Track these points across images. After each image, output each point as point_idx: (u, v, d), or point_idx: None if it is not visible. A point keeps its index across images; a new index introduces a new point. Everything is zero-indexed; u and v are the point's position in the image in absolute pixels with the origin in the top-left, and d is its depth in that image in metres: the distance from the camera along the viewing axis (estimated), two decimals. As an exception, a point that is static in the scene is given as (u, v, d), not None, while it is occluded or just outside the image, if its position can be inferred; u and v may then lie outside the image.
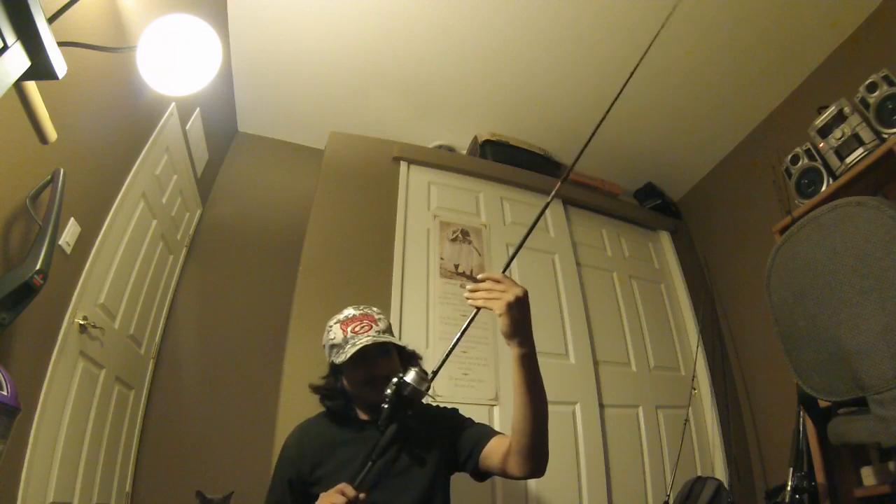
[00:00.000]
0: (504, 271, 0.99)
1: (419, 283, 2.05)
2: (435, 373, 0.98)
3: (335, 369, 1.19)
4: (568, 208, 2.67)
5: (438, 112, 2.77)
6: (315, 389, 1.23)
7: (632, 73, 1.01)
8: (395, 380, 0.96)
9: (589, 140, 1.03)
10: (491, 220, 2.39)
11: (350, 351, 1.10)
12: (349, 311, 1.21)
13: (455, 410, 1.28)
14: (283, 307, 2.00)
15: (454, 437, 1.18)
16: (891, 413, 0.99)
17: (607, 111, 1.07)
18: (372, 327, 1.16)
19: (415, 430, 1.12)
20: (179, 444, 2.08)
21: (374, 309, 1.23)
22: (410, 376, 0.95)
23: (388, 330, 1.20)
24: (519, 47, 2.34)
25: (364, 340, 1.11)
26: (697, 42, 2.28)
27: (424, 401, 1.03)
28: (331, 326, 1.20)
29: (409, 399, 0.95)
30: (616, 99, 1.07)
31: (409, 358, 1.22)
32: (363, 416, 1.21)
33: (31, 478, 1.23)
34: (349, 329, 1.15)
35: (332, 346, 1.17)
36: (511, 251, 2.28)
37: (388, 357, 1.17)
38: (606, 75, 2.47)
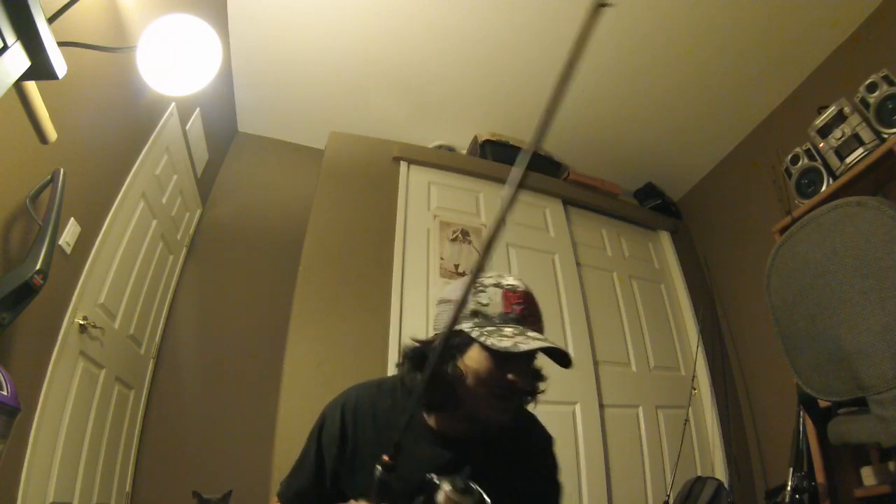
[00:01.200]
0: (476, 277, 0.68)
1: (419, 283, 2.05)
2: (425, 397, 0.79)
3: (456, 344, 0.80)
4: (568, 208, 2.67)
5: (438, 112, 2.77)
6: (411, 352, 0.85)
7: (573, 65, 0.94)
8: (429, 478, 0.67)
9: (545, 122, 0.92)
10: (491, 220, 2.39)
11: (522, 344, 0.75)
12: (513, 281, 0.84)
13: (551, 443, 0.99)
14: (284, 307, 2.00)
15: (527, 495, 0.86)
16: (891, 413, 0.99)
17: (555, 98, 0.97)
18: (539, 322, 0.83)
19: (494, 450, 0.85)
20: (179, 444, 2.08)
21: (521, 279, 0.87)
22: (445, 490, 0.64)
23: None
24: (519, 47, 2.34)
25: (543, 343, 0.76)
26: (697, 42, 2.28)
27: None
28: (484, 287, 0.82)
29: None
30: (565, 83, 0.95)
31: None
32: (437, 425, 0.86)
33: (31, 478, 1.23)
34: (515, 306, 0.80)
35: (478, 314, 0.80)
36: (511, 251, 2.31)
37: (529, 371, 0.83)
38: (606, 75, 2.47)
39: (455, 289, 0.87)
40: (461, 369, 0.79)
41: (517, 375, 0.78)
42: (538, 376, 0.85)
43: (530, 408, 0.92)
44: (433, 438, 0.85)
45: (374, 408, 0.88)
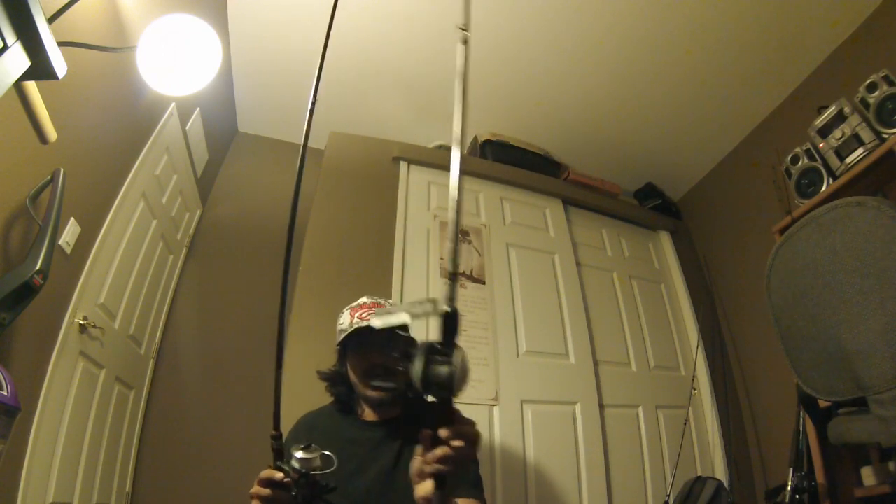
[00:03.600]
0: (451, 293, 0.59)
1: (419, 283, 2.05)
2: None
3: (341, 355, 1.19)
4: (568, 208, 2.67)
5: (438, 112, 2.77)
6: (322, 376, 1.22)
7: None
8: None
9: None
10: (491, 220, 2.39)
11: (356, 324, 1.09)
12: (363, 300, 1.20)
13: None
14: (283, 307, 2.00)
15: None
16: (891, 413, 0.99)
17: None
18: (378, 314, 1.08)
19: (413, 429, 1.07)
20: (179, 444, 2.08)
21: (391, 301, 1.23)
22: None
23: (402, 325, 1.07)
24: (519, 47, 2.34)
25: (363, 324, 1.09)
26: (697, 42, 2.28)
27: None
28: (342, 312, 1.20)
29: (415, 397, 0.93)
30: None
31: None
32: (369, 416, 1.16)
33: (31, 478, 1.23)
34: (356, 315, 1.13)
35: (340, 332, 1.16)
36: (511, 251, 2.31)
37: (391, 349, 1.10)
38: (606, 75, 2.47)
39: (344, 319, 1.18)
40: (348, 372, 1.15)
41: (374, 355, 1.09)
42: (406, 356, 1.01)
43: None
44: (367, 425, 1.15)
45: (326, 422, 1.18)
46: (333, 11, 0.94)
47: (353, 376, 1.13)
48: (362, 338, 1.08)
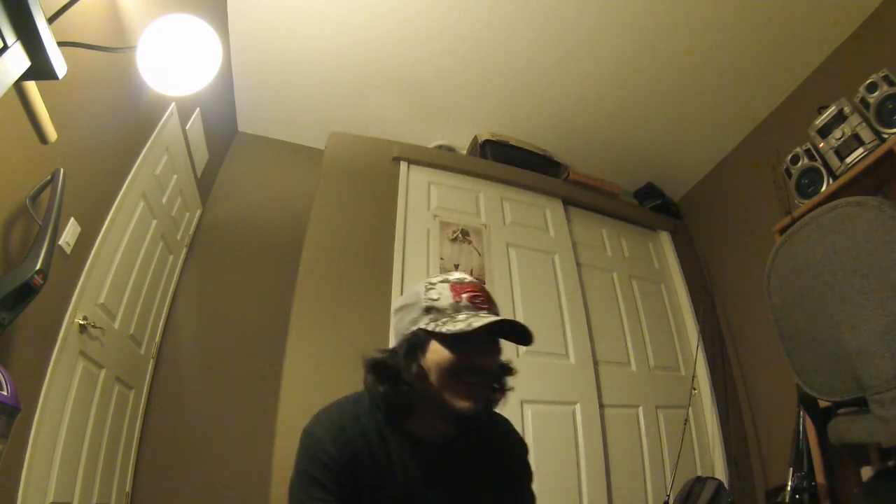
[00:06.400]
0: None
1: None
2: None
3: (416, 343, 0.82)
4: (568, 208, 2.67)
5: (438, 112, 2.77)
6: (373, 364, 0.85)
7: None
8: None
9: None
10: (491, 220, 2.39)
11: (475, 322, 0.78)
12: (459, 275, 0.89)
13: (526, 450, 0.99)
14: (284, 307, 2.00)
15: (509, 496, 0.91)
16: (891, 413, 0.99)
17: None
18: (493, 307, 0.85)
19: (478, 452, 0.88)
20: (179, 444, 2.08)
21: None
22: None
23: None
24: (519, 47, 2.34)
25: (495, 318, 0.79)
26: (697, 42, 2.28)
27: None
28: (433, 284, 0.86)
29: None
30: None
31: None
32: (423, 428, 0.86)
33: (31, 478, 1.23)
34: (464, 295, 0.83)
35: (431, 310, 0.83)
36: (511, 251, 2.31)
37: (499, 354, 0.86)
38: (606, 75, 2.47)
39: (408, 295, 0.89)
40: (424, 367, 0.81)
41: (480, 357, 0.81)
42: (505, 368, 0.87)
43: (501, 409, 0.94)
44: (421, 442, 0.86)
45: (358, 428, 0.86)
46: None
47: (436, 376, 0.80)
48: (486, 331, 0.79)
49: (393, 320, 0.91)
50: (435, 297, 0.84)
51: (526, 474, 0.96)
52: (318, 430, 0.85)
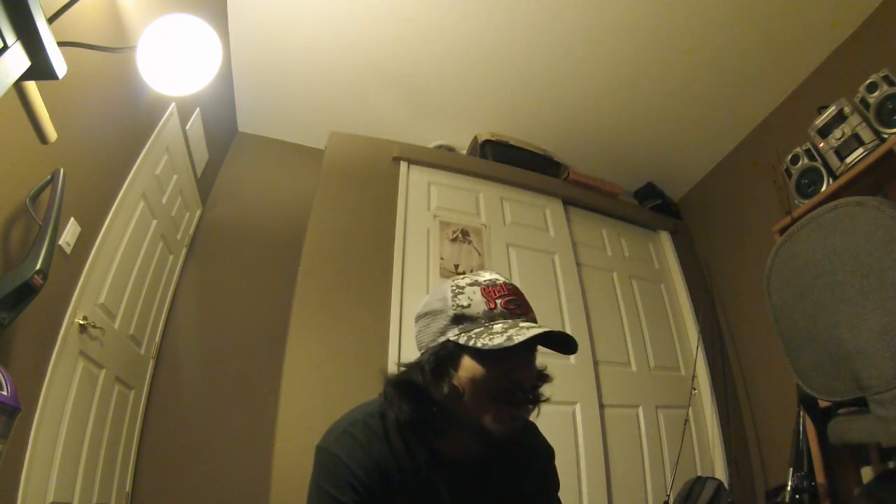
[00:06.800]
0: None
1: (419, 283, 2.04)
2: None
3: (445, 357, 0.73)
4: (568, 208, 2.67)
5: (438, 112, 2.77)
6: (395, 382, 0.76)
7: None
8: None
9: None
10: (491, 220, 2.39)
11: (516, 336, 0.67)
12: (490, 276, 0.78)
13: (553, 455, 0.95)
14: (284, 307, 2.00)
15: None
16: (891, 413, 0.99)
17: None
18: (530, 313, 0.77)
19: (507, 465, 0.83)
20: (179, 444, 2.08)
21: None
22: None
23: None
24: (519, 47, 2.34)
25: (539, 329, 0.69)
26: (697, 42, 2.28)
27: None
28: (461, 288, 0.76)
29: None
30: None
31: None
32: (449, 450, 0.78)
33: (31, 478, 1.23)
34: (498, 301, 0.73)
35: (461, 318, 0.73)
36: (511, 251, 2.31)
37: (535, 365, 0.77)
38: (606, 75, 2.47)
39: (432, 300, 0.79)
40: (457, 386, 0.71)
41: (520, 372, 0.72)
42: (542, 377, 0.78)
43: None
44: (449, 464, 0.79)
45: (380, 451, 0.76)
46: None
47: (471, 396, 0.71)
48: (529, 344, 0.70)
49: (415, 328, 0.81)
50: (465, 303, 0.74)
51: (554, 485, 0.92)
52: (342, 450, 0.74)
